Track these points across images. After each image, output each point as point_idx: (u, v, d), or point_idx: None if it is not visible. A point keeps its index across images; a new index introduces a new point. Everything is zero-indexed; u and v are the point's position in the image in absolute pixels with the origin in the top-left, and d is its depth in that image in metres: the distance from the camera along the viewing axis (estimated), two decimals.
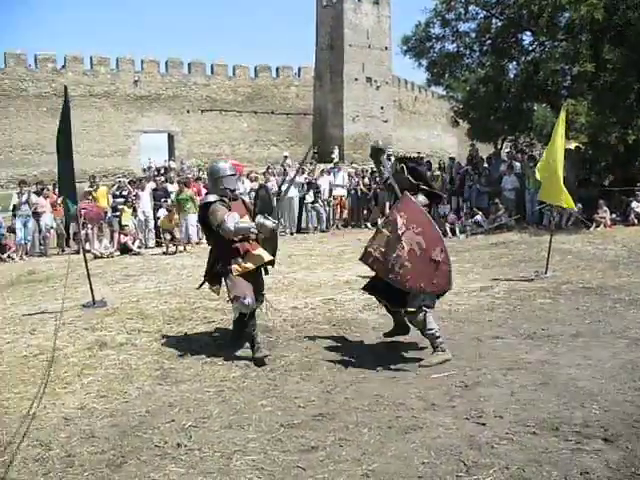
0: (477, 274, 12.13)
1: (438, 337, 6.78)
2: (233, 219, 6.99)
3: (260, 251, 7.25)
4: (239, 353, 7.35)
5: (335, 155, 42.41)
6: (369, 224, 21.93)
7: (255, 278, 7.32)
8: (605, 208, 18.76)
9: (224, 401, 5.79)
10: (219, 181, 7.43)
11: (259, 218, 7.10)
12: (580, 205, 17.47)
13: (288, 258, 14.87)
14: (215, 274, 7.45)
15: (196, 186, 20.32)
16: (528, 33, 22.98)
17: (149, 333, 8.31)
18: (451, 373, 6.27)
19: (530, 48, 23.41)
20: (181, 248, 17.84)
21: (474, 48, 23.91)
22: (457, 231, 19.23)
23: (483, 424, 4.98)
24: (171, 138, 48.82)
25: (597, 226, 18.21)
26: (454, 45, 23.96)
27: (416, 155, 8.26)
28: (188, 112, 48.71)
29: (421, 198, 7.09)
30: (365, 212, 23.09)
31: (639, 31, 18.01)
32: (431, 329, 6.75)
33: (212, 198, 7.29)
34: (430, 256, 6.62)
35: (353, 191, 23.01)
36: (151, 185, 20.94)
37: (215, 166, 7.69)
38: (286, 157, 28.15)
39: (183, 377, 6.56)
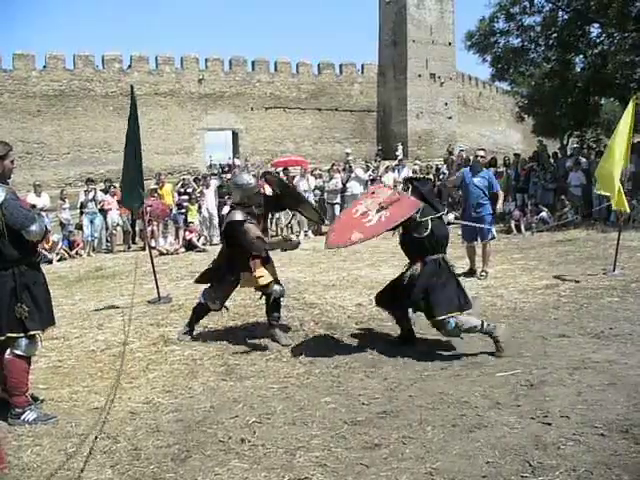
0: (543, 272, 11.96)
1: (487, 327, 6.91)
2: (263, 241, 7.36)
3: (263, 272, 7.51)
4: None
5: (399, 152, 42.26)
6: None
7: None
8: None
9: (288, 397, 5.82)
10: (247, 196, 7.68)
11: (291, 240, 7.94)
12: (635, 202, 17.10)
13: (352, 255, 14.87)
14: (212, 275, 7.99)
15: (260, 184, 20.41)
16: (596, 25, 22.60)
17: (214, 329, 8.39)
18: (516, 371, 6.19)
19: (598, 41, 23.03)
20: None
21: (539, 42, 23.62)
22: (522, 228, 18.99)
23: (549, 424, 4.90)
24: (235, 135, 49.12)
25: None
26: (519, 40, 23.77)
27: (421, 176, 8.38)
28: (252, 109, 48.93)
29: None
30: None
31: None
32: (474, 327, 6.88)
33: (240, 217, 7.41)
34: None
35: None
36: (216, 182, 21.14)
37: (242, 182, 7.82)
38: (348, 154, 28.15)
39: (247, 373, 6.61)
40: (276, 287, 7.53)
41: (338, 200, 20.92)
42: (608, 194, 11.80)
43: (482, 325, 6.88)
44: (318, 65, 52.74)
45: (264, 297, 7.79)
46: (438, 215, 7.14)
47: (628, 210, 12.56)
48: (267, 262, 7.64)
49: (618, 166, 11.23)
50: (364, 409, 5.44)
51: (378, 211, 6.90)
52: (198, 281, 8.30)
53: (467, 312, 6.90)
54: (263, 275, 7.45)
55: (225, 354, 7.30)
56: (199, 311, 8.06)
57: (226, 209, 18.95)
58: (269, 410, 5.51)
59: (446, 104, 54.30)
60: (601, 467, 4.19)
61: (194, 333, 8.07)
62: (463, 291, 7.02)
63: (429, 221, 6.92)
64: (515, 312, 8.85)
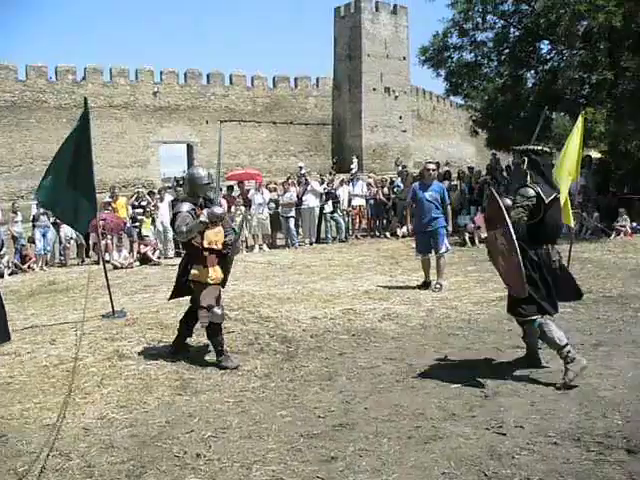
0: (497, 283, 12.00)
1: (564, 347, 6.13)
2: (183, 220, 7.25)
3: (216, 272, 7.40)
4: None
5: (354, 165, 42.46)
6: (388, 234, 21.93)
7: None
8: (625, 217, 18.68)
9: (243, 411, 5.80)
10: (195, 189, 7.63)
11: (205, 212, 7.31)
12: (597, 214, 17.40)
13: (307, 268, 14.90)
14: (182, 285, 7.72)
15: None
16: (546, 42, 22.99)
17: (168, 343, 8.32)
18: (471, 383, 6.24)
19: (548, 57, 23.43)
20: None
21: (492, 57, 23.91)
22: (476, 240, 19.13)
23: (503, 434, 4.95)
24: (190, 149, 48.99)
25: (617, 235, 18.12)
26: (472, 55, 23.99)
27: (539, 148, 7.74)
28: (207, 122, 48.83)
29: (530, 192, 6.23)
30: (384, 222, 23.07)
31: None
32: (552, 338, 6.20)
33: (185, 208, 7.41)
34: (512, 259, 6.02)
35: (372, 201, 22.97)
36: (170, 196, 21.02)
37: (193, 173, 7.80)
38: (301, 167, 28.24)
39: (202, 387, 6.58)
40: (216, 310, 7.30)
41: (293, 214, 20.93)
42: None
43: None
44: (273, 78, 52.85)
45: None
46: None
47: (572, 225, 12.76)
48: (224, 266, 7.55)
49: (567, 180, 11.38)
50: (320, 422, 5.45)
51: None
52: (171, 297, 8.17)
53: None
54: (214, 275, 7.37)
55: (180, 368, 7.25)
56: (214, 332, 7.42)
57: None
58: (225, 424, 5.48)
59: (400, 118, 54.73)
60: (554, 475, 4.25)
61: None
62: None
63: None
64: (469, 324, 8.93)
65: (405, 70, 55.22)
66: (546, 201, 6.15)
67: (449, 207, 12.25)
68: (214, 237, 7.38)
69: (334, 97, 54.48)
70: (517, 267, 5.86)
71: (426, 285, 11.86)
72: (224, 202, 18.59)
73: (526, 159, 6.38)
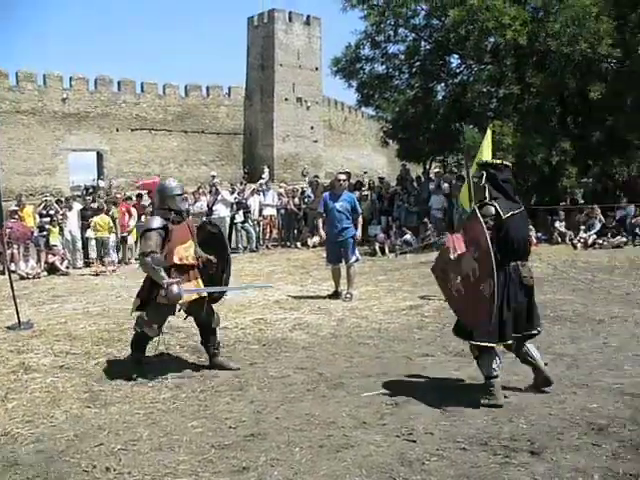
0: (406, 293, 12.23)
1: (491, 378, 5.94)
2: (157, 260, 6.91)
3: (191, 287, 7.13)
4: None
5: (265, 175, 42.45)
6: (299, 244, 21.99)
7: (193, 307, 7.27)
8: (531, 227, 19.12)
9: (154, 423, 5.70)
10: (165, 201, 7.31)
11: (170, 282, 6.89)
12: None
13: None
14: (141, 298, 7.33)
15: (125, 205, 20.11)
16: (456, 56, 23.48)
17: (77, 355, 8.14)
18: (381, 391, 6.29)
19: (458, 70, 23.96)
20: (111, 268, 17.63)
21: (403, 70, 24.27)
22: (386, 250, 19.36)
23: (414, 441, 5.00)
24: (100, 157, 48.22)
25: None
26: (384, 67, 24.30)
27: (498, 162, 7.45)
28: (117, 130, 48.20)
29: (491, 209, 5.95)
30: (295, 232, 23.11)
31: (559, 58, 18.55)
32: (485, 366, 5.99)
33: (156, 224, 7.08)
34: (479, 287, 5.70)
35: (283, 211, 22.99)
36: (79, 204, 20.64)
37: (163, 184, 7.53)
38: (214, 177, 28.06)
39: (112, 399, 6.44)
40: (154, 326, 7.13)
41: None
42: None
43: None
44: (185, 87, 52.53)
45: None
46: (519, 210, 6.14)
47: None
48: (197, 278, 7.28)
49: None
50: (231, 432, 5.40)
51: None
52: (134, 309, 7.55)
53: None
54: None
55: (89, 380, 7.09)
56: (138, 341, 7.39)
57: (89, 232, 18.54)
58: (135, 436, 5.38)
59: (312, 128, 55.03)
60: (463, 479, 4.32)
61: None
62: None
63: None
64: (380, 333, 9.00)
65: (317, 81, 55.58)
66: (503, 217, 5.87)
67: (360, 217, 12.32)
68: (184, 252, 7.14)
69: (246, 106, 54.45)
70: (488, 299, 5.57)
71: (336, 295, 11.92)
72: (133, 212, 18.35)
73: (484, 174, 6.15)
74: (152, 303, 7.11)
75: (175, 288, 6.86)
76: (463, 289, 5.89)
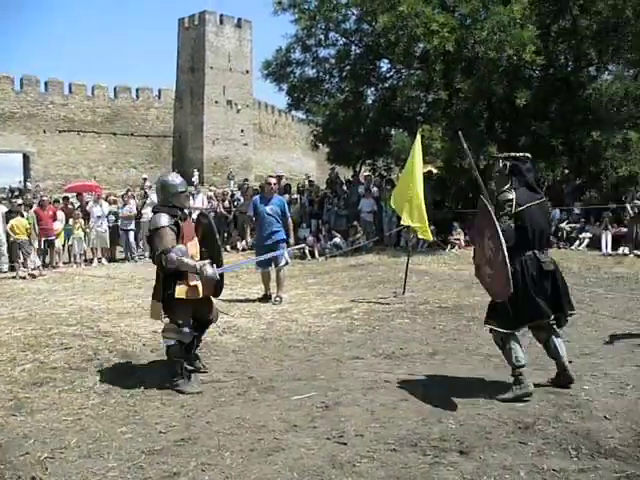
0: (336, 296, 12.26)
1: (519, 367, 6.03)
2: (180, 251, 6.64)
3: (198, 283, 6.87)
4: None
5: (195, 178, 42.19)
6: (228, 247, 21.87)
7: (199, 306, 7.07)
8: (459, 230, 19.46)
9: (82, 429, 5.59)
10: (169, 198, 7.02)
11: (203, 264, 6.69)
12: (433, 227, 18.01)
13: (147, 282, 14.62)
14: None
15: (52, 209, 19.72)
16: (385, 61, 23.62)
17: (2, 362, 7.94)
18: (312, 394, 6.28)
19: (388, 75, 24.10)
20: (35, 272, 17.27)
21: (334, 74, 24.32)
22: (316, 253, 19.40)
23: (344, 443, 5.01)
24: (26, 159, 47.29)
25: (452, 247, 18.81)
26: (314, 70, 24.31)
27: (520, 155, 7.35)
28: (45, 132, 47.37)
29: (509, 195, 6.14)
30: (225, 235, 22.97)
31: (486, 64, 18.85)
32: (510, 354, 6.11)
33: (164, 222, 6.77)
34: (498, 259, 5.77)
35: (212, 214, 22.81)
36: (4, 207, 20.17)
37: (166, 181, 7.14)
38: (145, 179, 27.76)
39: (39, 406, 6.28)
40: (186, 329, 6.86)
41: (132, 227, 20.55)
42: (418, 228, 12.20)
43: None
44: (114, 88, 51.91)
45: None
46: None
47: (431, 239, 13.29)
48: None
49: (421, 197, 11.73)
50: (161, 437, 5.33)
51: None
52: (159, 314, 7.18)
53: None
54: (197, 291, 6.86)
55: (15, 387, 6.91)
56: (176, 353, 6.91)
57: (3, 235, 18.08)
58: (62, 444, 5.26)
59: (242, 131, 54.94)
60: None
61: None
62: None
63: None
64: (310, 336, 9.01)
65: (248, 84, 55.53)
66: (515, 209, 6.02)
67: (290, 220, 12.32)
68: (193, 249, 6.99)
69: (176, 109, 54.10)
70: (502, 264, 5.63)
71: (266, 298, 11.90)
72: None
73: (508, 164, 6.29)
74: (172, 302, 6.83)
75: (209, 268, 6.68)
76: (491, 270, 5.97)
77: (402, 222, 12.69)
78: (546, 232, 6.40)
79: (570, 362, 6.32)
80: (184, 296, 6.77)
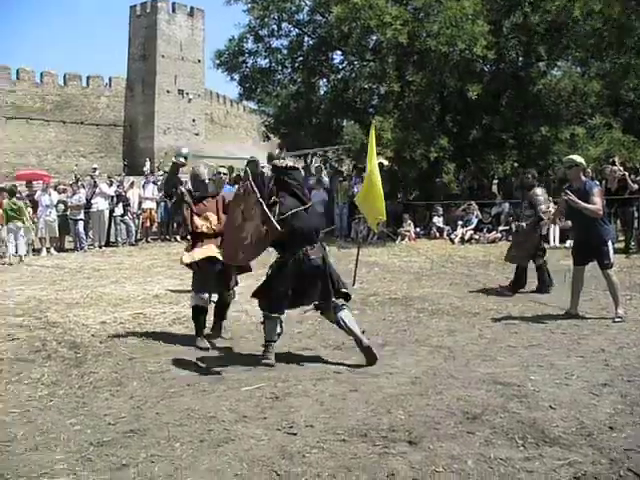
0: None
1: (269, 341, 7.18)
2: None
3: (211, 248, 7.87)
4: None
5: (146, 167, 41.83)
6: (178, 237, 21.74)
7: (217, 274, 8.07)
8: (409, 222, 19.65)
9: (29, 422, 5.52)
10: (197, 185, 8.38)
11: None
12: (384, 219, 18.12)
13: (96, 272, 14.54)
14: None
15: None
16: (339, 52, 23.70)
17: None
18: (261, 385, 6.29)
19: (340, 67, 24.18)
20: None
21: (286, 64, 24.31)
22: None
23: (294, 434, 5.03)
24: None
25: (402, 239, 18.97)
26: (266, 61, 24.28)
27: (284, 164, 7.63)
28: None
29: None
30: (175, 225, 22.80)
31: (438, 57, 19.01)
32: (269, 331, 7.22)
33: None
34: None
35: (163, 204, 22.64)
36: None
37: (197, 172, 8.44)
38: (95, 169, 27.48)
39: None
40: (203, 295, 8.07)
41: (82, 216, 20.32)
42: (381, 217, 12.18)
43: None
44: (64, 76, 51.17)
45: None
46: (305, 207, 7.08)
47: (376, 231, 13.35)
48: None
49: (380, 187, 11.74)
50: (110, 429, 5.30)
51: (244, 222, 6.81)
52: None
53: None
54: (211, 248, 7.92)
55: None
56: (194, 317, 8.14)
57: None
58: (9, 437, 5.18)
59: (194, 121, 54.68)
60: (343, 470, 4.37)
61: None
62: None
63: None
64: (258, 328, 8.97)
65: (200, 73, 55.22)
66: (277, 218, 6.70)
67: None
68: (204, 221, 8.11)
69: (127, 98, 53.58)
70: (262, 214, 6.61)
71: None
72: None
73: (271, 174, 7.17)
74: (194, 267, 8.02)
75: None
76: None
77: (369, 223, 12.92)
78: (313, 231, 7.11)
79: (363, 331, 7.30)
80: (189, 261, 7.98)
